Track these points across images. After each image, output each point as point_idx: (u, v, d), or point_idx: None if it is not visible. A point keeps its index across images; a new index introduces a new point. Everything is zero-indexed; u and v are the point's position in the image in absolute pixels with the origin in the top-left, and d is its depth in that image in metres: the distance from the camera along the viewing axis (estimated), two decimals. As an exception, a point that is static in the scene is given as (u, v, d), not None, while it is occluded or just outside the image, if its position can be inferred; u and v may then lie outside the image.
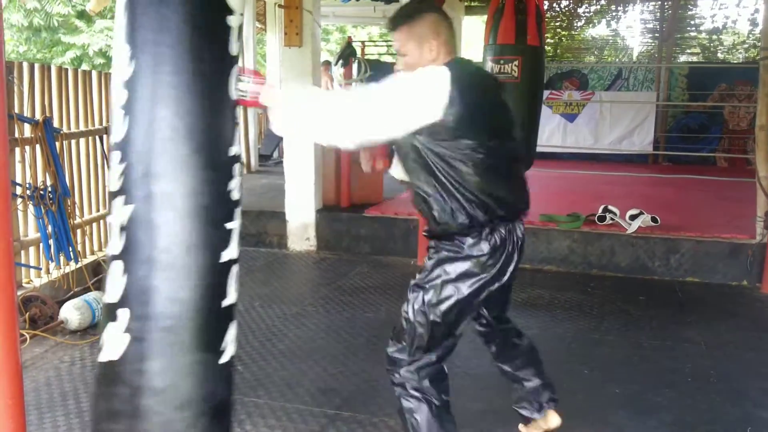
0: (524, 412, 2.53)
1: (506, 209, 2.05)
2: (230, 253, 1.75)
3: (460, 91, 1.89)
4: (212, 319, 1.74)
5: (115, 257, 1.70)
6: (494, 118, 2.08)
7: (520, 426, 2.62)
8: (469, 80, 1.98)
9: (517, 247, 2.10)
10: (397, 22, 2.06)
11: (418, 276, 2.12)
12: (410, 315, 2.09)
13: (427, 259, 2.12)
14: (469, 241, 2.01)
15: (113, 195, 1.69)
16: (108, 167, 4.55)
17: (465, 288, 2.03)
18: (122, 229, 1.71)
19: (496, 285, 2.07)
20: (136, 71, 1.69)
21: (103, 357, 1.72)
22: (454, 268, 2.03)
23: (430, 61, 2.02)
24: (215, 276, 1.73)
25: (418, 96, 1.90)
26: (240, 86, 1.75)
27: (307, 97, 1.88)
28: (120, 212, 1.70)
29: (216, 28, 1.74)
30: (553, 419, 2.52)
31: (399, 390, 2.11)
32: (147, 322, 1.69)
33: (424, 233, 2.17)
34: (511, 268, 2.09)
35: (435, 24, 2.04)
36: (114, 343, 1.68)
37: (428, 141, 1.94)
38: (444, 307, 2.03)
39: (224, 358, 1.75)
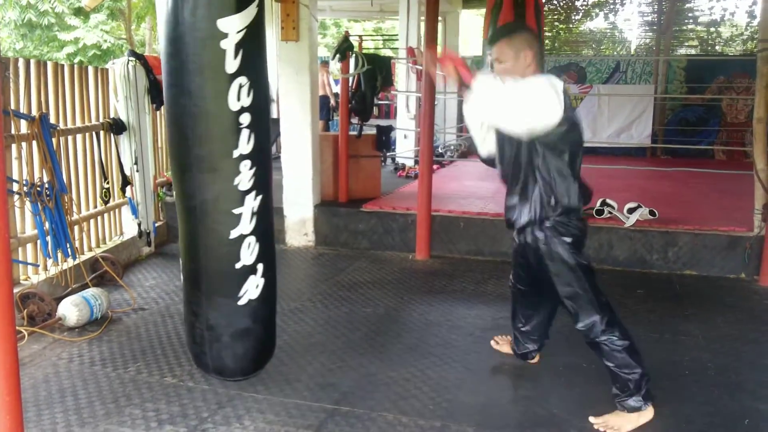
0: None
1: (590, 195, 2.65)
2: (240, 229, 2.40)
3: (566, 96, 2.40)
4: (228, 277, 2.51)
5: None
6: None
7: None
8: (565, 89, 2.44)
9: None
10: (497, 37, 2.60)
11: (546, 254, 2.61)
12: (575, 287, 2.59)
13: (546, 239, 2.60)
14: (576, 220, 2.58)
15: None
16: (104, 164, 4.50)
17: (583, 250, 2.64)
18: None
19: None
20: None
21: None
22: (572, 241, 2.58)
23: (525, 68, 2.52)
24: (226, 248, 2.43)
25: (554, 94, 2.34)
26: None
27: (493, 88, 2.34)
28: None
29: (211, 52, 2.19)
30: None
31: (606, 346, 2.60)
32: (185, 282, 2.66)
33: (534, 218, 2.60)
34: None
35: (528, 39, 2.56)
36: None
37: (549, 139, 2.44)
38: (583, 269, 2.59)
39: (242, 301, 2.56)
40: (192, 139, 2.35)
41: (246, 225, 2.40)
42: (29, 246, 3.93)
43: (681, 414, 2.73)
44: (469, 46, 15.55)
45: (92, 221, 4.59)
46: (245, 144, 2.30)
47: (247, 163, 2.33)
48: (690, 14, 11.90)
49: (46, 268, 3.98)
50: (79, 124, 4.36)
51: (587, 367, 3.17)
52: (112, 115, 4.65)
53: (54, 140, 3.90)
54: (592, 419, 2.65)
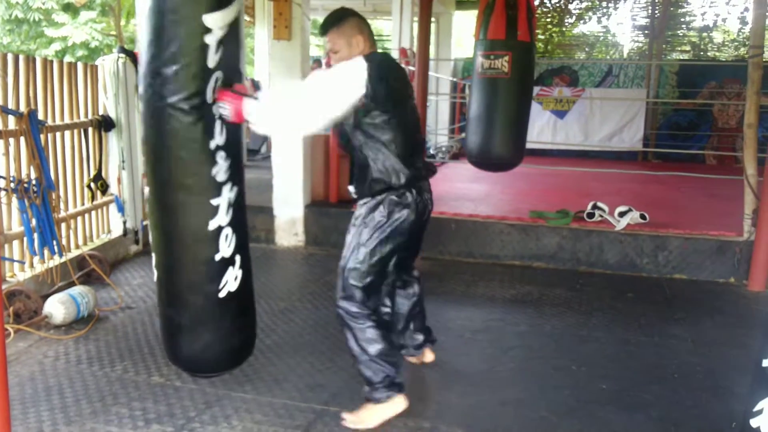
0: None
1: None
2: (218, 220, 2.25)
3: (375, 73, 2.42)
4: (209, 268, 2.28)
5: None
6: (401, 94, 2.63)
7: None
8: (384, 64, 2.52)
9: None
10: (326, 27, 2.58)
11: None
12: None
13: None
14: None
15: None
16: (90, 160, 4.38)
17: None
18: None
19: None
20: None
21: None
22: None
23: (359, 54, 2.52)
24: (205, 239, 2.25)
25: (342, 81, 2.42)
26: (220, 110, 2.18)
27: (270, 102, 2.27)
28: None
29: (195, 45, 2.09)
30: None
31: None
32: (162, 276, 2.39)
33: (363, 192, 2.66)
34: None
35: (358, 24, 2.58)
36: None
37: (361, 117, 2.48)
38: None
39: (223, 293, 2.29)
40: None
41: (223, 215, 2.28)
42: (15, 243, 3.89)
43: (669, 417, 2.73)
44: (462, 48, 15.57)
45: (79, 219, 4.55)
46: (220, 135, 2.23)
47: (220, 154, 2.24)
48: (683, 19, 11.97)
49: (32, 266, 3.94)
50: (67, 120, 4.32)
51: (576, 370, 3.17)
52: (101, 112, 4.61)
53: (42, 137, 3.86)
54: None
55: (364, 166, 2.59)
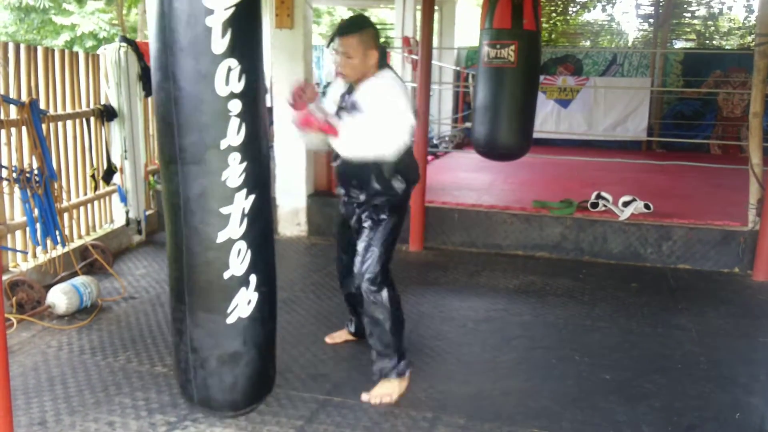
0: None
1: None
2: (229, 232, 2.09)
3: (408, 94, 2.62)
4: (215, 289, 2.17)
5: None
6: None
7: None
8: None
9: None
10: (347, 30, 2.59)
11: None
12: None
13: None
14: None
15: None
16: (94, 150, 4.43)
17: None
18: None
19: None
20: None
21: None
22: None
23: (370, 66, 2.60)
24: (213, 253, 2.12)
25: (406, 109, 2.55)
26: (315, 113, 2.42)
27: (354, 126, 2.51)
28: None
29: (196, 30, 1.92)
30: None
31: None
32: (170, 294, 2.30)
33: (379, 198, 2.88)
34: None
35: (376, 37, 2.61)
36: None
37: None
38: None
39: (231, 319, 2.20)
40: (176, 128, 2.05)
41: (235, 228, 2.10)
42: (18, 233, 3.89)
43: (672, 407, 2.73)
44: (466, 36, 15.48)
45: (82, 208, 4.55)
46: (234, 134, 2.03)
47: (236, 156, 2.05)
48: (688, 7, 11.87)
49: (35, 256, 3.94)
50: (69, 110, 4.31)
51: (580, 360, 3.17)
52: (103, 102, 4.60)
53: (44, 126, 3.85)
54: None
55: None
